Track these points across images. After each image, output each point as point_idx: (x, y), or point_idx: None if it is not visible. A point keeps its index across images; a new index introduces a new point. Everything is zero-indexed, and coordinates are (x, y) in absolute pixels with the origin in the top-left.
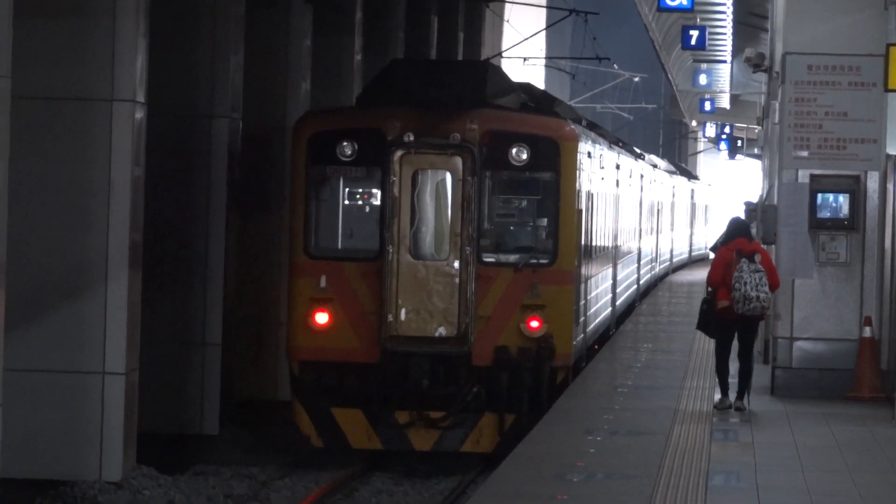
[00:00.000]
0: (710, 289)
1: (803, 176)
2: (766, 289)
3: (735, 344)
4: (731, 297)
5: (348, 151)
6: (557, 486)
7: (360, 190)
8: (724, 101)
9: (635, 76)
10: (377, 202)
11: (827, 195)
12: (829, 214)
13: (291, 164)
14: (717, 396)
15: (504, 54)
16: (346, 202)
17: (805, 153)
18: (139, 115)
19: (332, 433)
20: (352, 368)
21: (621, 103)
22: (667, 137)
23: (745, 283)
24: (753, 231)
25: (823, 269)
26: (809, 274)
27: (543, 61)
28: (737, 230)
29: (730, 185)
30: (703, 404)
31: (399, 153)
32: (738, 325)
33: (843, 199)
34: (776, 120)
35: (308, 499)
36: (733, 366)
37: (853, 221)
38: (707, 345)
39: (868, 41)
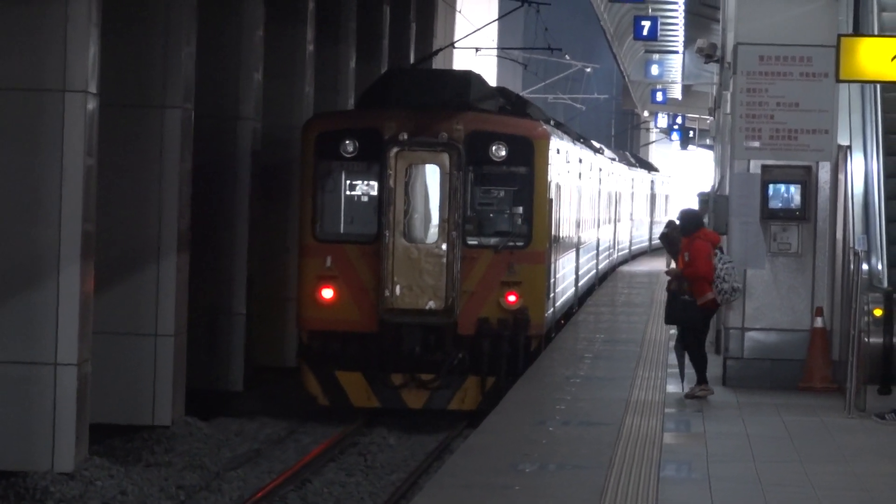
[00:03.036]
0: (684, 281)
1: (755, 166)
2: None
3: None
4: (714, 288)
5: (350, 148)
6: (510, 477)
7: (361, 182)
8: (676, 92)
9: (587, 66)
10: (375, 193)
11: (779, 186)
12: (780, 205)
13: (301, 159)
14: (686, 385)
15: (456, 45)
16: (348, 193)
17: (757, 144)
18: (91, 105)
19: (336, 393)
20: (353, 337)
21: (573, 93)
22: (619, 128)
23: (731, 275)
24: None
25: (775, 260)
26: (761, 264)
27: (496, 52)
28: (698, 221)
29: (682, 175)
30: (655, 394)
31: (394, 150)
32: (709, 317)
33: (794, 190)
34: (728, 110)
35: (312, 453)
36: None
37: (805, 212)
38: (658, 335)
39: (819, 32)
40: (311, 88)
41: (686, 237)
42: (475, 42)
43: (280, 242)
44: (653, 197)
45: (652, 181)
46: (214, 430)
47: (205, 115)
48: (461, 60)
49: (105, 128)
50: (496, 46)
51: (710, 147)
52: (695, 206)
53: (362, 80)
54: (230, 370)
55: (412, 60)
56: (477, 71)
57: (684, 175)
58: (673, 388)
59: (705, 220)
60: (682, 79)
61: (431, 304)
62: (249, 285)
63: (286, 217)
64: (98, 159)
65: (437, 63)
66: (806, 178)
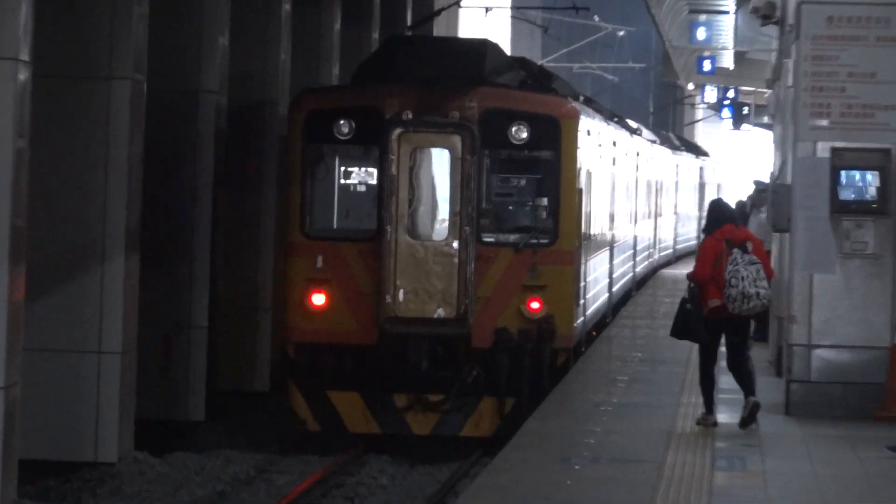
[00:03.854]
0: (692, 285)
1: (823, 150)
2: (766, 283)
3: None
4: (724, 294)
5: (345, 129)
6: None
7: (358, 168)
8: (727, 60)
9: (620, 29)
10: (374, 181)
11: (852, 173)
12: (853, 196)
13: (287, 142)
14: (701, 412)
15: (462, 4)
16: (343, 181)
17: (825, 122)
18: (23, 76)
19: (328, 417)
20: (349, 350)
21: (603, 62)
22: (658, 103)
23: (743, 279)
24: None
25: (848, 263)
26: (831, 268)
27: (509, 12)
28: (722, 215)
29: (736, 160)
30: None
31: (397, 131)
32: (728, 327)
33: (871, 178)
34: (790, 82)
35: (288, 496)
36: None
37: (883, 204)
38: None
39: None
40: (287, 56)
41: (707, 236)
42: (485, 0)
43: (251, 241)
44: (701, 186)
45: (700, 167)
46: (170, 468)
47: (160, 88)
48: (468, 23)
49: (39, 103)
50: (510, 6)
51: (768, 126)
52: (745, 196)
53: (349, 47)
54: (189, 395)
55: (409, 23)
56: (490, 37)
57: (738, 160)
58: (725, 416)
59: (762, 215)
60: (735, 44)
61: (440, 312)
62: (213, 293)
63: (258, 210)
64: (31, 141)
65: (440, 26)
66: (884, 164)
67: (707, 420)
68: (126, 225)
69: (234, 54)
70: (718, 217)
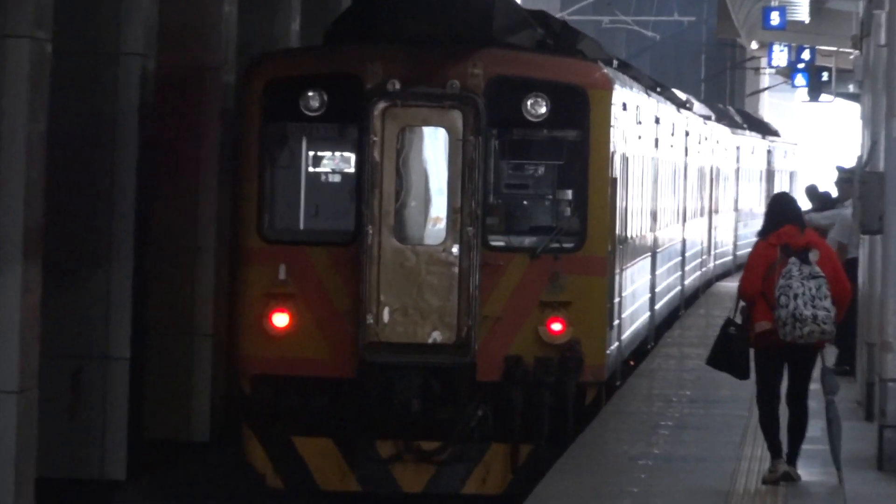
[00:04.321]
0: (742, 304)
1: None
2: (828, 303)
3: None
4: (774, 316)
5: (315, 104)
6: None
7: (330, 153)
8: (802, 12)
9: None
10: (352, 169)
11: None
12: None
13: (241, 120)
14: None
15: None
16: (312, 169)
17: None
18: None
19: (294, 470)
20: (320, 385)
21: (640, 15)
22: (713, 68)
23: (796, 296)
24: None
25: None
26: None
27: None
28: (782, 214)
29: (814, 140)
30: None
31: (381, 106)
32: (788, 357)
33: None
34: (882, 40)
35: None
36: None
37: None
38: None
39: None
40: (233, 8)
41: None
42: None
43: (186, 246)
44: (769, 174)
45: (768, 151)
46: None
47: (69, 49)
48: None
49: None
50: None
51: (854, 97)
52: (820, 188)
53: None
54: (106, 447)
55: None
56: None
57: (816, 141)
58: (799, 472)
59: (846, 210)
60: None
61: (436, 336)
62: (137, 314)
63: (195, 206)
64: None
65: None
66: None
67: (775, 470)
68: (24, 226)
69: (164, 5)
70: (777, 217)
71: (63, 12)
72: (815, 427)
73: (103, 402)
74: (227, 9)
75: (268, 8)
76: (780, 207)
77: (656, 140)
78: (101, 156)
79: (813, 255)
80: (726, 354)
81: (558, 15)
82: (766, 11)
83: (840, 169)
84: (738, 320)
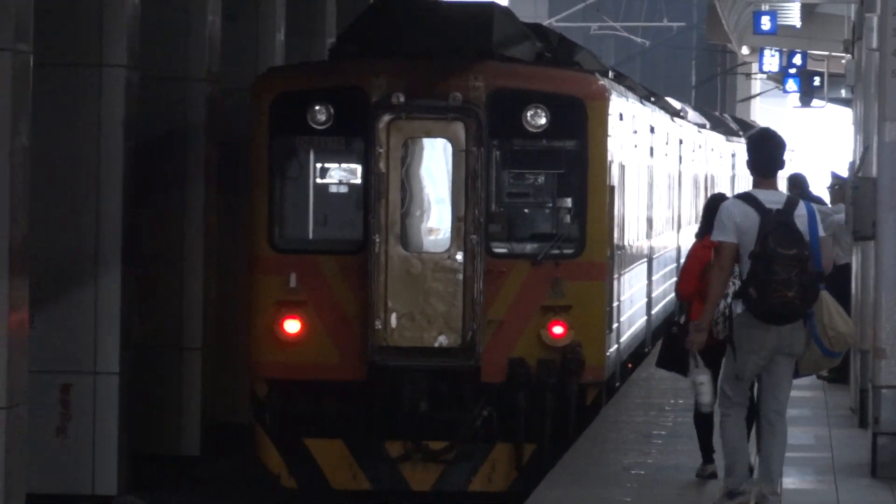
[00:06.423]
0: (681, 304)
1: None
2: None
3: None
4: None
5: (322, 117)
6: None
7: (338, 165)
8: (793, 17)
9: None
10: (359, 180)
11: None
12: None
13: (251, 134)
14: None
15: None
16: (320, 181)
17: None
18: None
19: (306, 470)
20: (330, 388)
21: (629, 21)
22: (703, 74)
23: (727, 296)
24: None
25: None
26: None
27: None
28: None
29: (806, 146)
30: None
31: (386, 118)
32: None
33: None
34: (875, 44)
35: None
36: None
37: None
38: None
39: None
40: (216, 17)
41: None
42: None
43: (174, 259)
44: None
45: None
46: None
47: (52, 62)
48: None
49: None
50: None
51: (846, 102)
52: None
53: (300, 5)
54: (97, 462)
55: None
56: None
57: (808, 146)
58: (793, 480)
59: (838, 216)
60: None
61: (442, 340)
62: (126, 328)
63: (182, 218)
64: None
65: None
66: None
67: (704, 471)
68: (10, 241)
69: (147, 16)
70: (712, 218)
71: (45, 24)
72: (809, 434)
73: (93, 417)
74: (209, 18)
75: (252, 19)
76: (714, 209)
77: (651, 148)
78: (87, 169)
79: None
80: (671, 355)
81: (546, 22)
82: (757, 16)
83: (834, 175)
84: (682, 321)
